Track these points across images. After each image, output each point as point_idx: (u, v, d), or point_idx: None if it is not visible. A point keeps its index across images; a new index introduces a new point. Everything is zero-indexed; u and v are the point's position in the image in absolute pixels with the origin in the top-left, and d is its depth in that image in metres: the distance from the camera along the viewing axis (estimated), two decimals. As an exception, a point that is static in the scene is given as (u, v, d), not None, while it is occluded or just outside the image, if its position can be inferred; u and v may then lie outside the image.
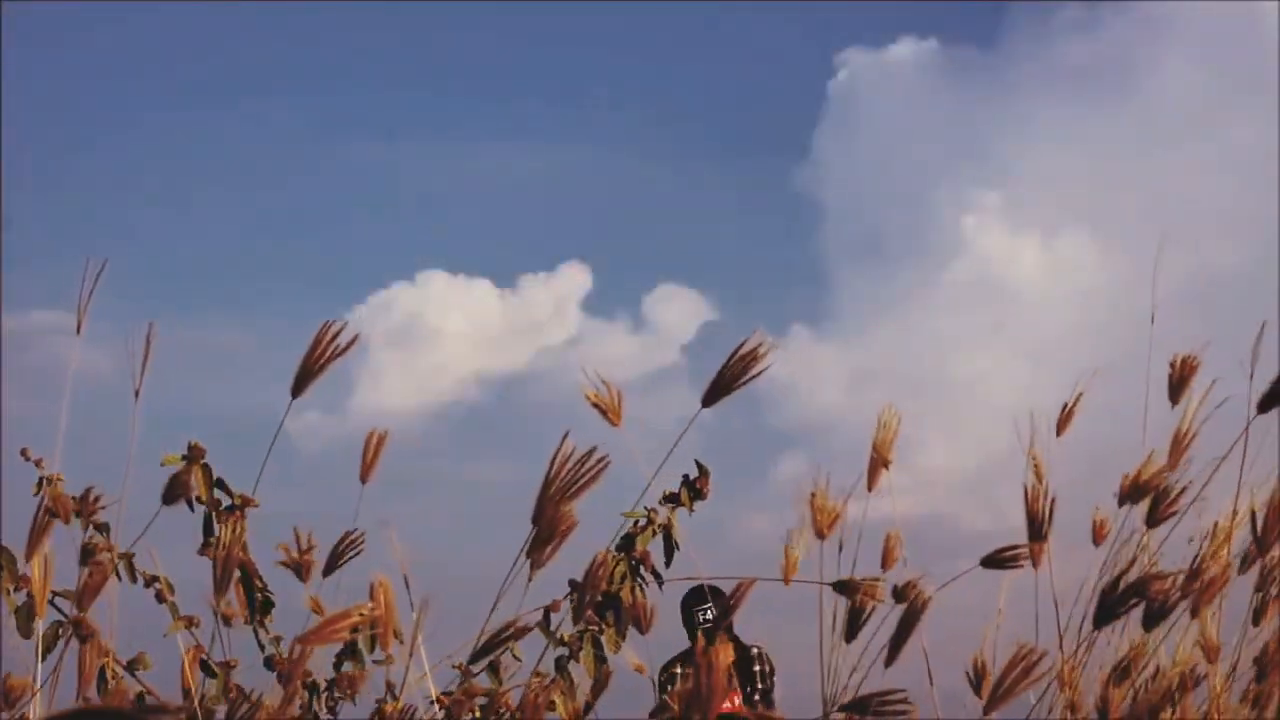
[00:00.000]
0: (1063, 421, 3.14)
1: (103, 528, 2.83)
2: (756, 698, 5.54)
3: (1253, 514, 2.79)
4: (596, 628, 2.99)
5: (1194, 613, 2.78)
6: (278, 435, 2.71)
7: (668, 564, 3.06)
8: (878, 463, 2.98)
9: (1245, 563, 2.88)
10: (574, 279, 16.70)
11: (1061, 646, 2.84)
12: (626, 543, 3.03)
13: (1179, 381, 3.08)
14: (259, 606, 2.89)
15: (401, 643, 2.63)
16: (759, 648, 5.66)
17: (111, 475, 2.80)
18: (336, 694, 2.90)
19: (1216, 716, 2.86)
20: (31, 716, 2.58)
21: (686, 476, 3.08)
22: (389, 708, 2.64)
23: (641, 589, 3.02)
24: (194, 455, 2.89)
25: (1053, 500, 2.76)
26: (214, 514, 2.91)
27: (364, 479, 2.83)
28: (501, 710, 2.79)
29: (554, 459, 2.36)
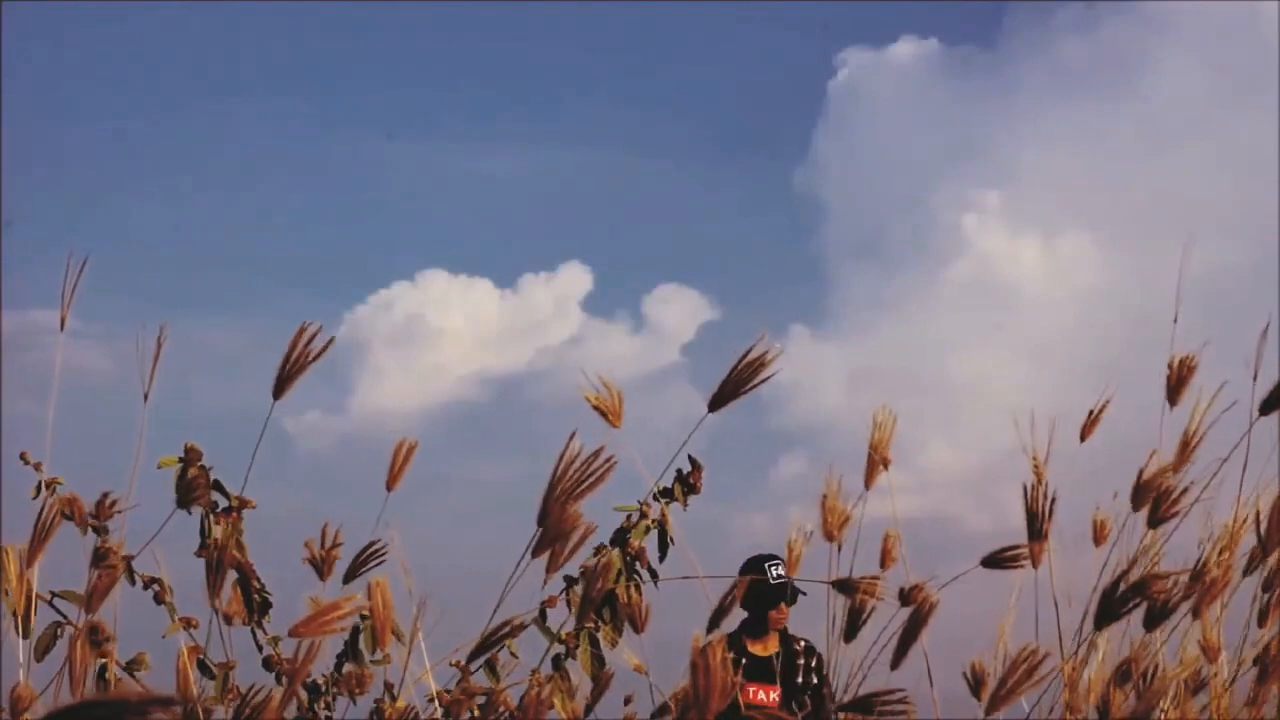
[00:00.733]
0: (1088, 427, 3.13)
1: (104, 531, 2.82)
2: (807, 695, 5.34)
3: (1257, 517, 2.78)
4: (593, 625, 2.96)
5: (1196, 613, 2.77)
6: (262, 436, 2.70)
7: (662, 559, 3.02)
8: (875, 462, 2.98)
9: (1250, 565, 2.87)
10: (574, 279, 16.70)
11: (1062, 647, 2.84)
12: (620, 537, 2.99)
13: (1177, 383, 3.07)
14: (257, 607, 2.88)
15: (401, 642, 2.62)
16: (806, 640, 5.45)
17: (105, 473, 2.79)
18: (340, 692, 2.89)
19: (1217, 717, 2.85)
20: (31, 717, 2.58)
21: (680, 471, 3.04)
22: (388, 709, 2.63)
23: (637, 586, 3.00)
24: (191, 458, 2.88)
25: (1053, 500, 2.76)
26: (210, 515, 2.90)
27: (390, 486, 2.84)
28: (500, 709, 2.78)
29: (560, 459, 2.35)
